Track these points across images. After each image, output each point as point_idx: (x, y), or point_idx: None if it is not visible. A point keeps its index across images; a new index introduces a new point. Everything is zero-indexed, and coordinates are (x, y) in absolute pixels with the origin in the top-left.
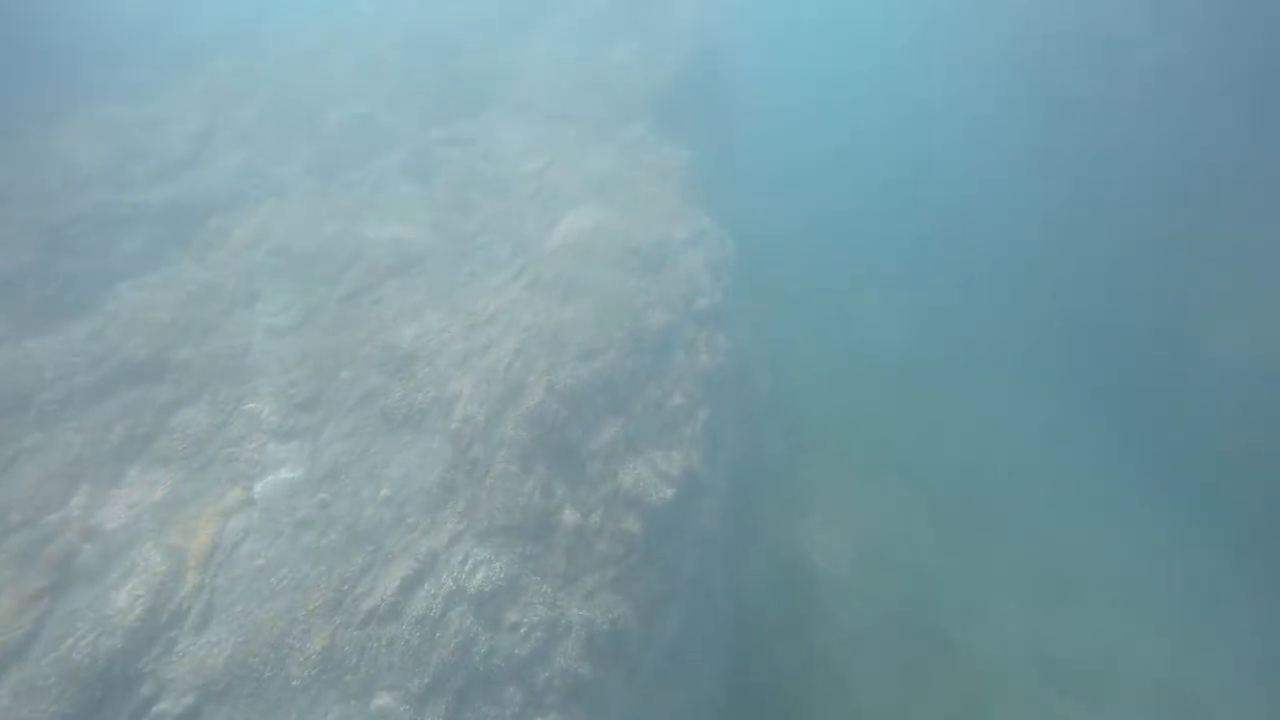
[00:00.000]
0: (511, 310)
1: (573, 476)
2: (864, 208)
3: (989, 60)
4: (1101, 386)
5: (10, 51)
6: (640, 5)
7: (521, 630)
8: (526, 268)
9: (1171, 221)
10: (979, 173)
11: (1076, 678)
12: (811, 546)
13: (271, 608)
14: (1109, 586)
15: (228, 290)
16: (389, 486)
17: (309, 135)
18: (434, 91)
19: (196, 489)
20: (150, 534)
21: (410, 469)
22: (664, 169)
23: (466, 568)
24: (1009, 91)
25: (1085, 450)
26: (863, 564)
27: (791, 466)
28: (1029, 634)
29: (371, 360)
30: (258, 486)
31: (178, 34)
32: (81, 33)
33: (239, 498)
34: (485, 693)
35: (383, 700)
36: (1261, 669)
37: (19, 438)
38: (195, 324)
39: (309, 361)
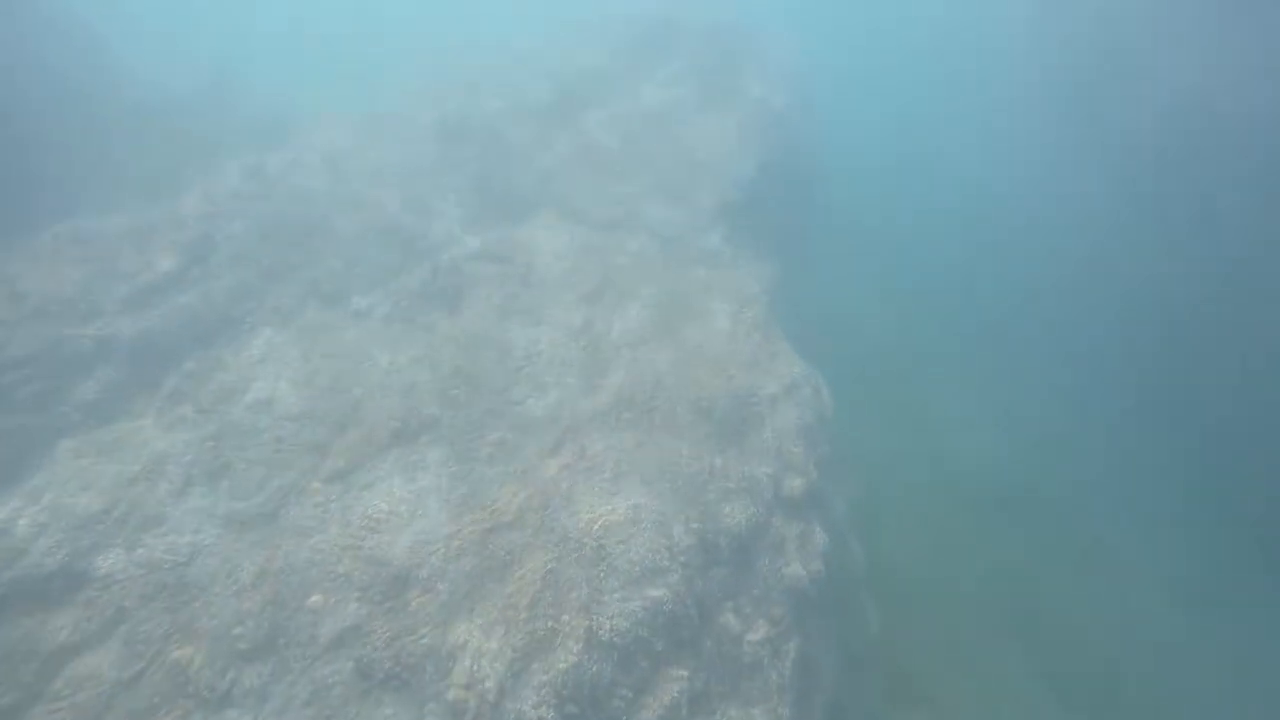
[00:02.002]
0: (545, 506)
1: None
2: (965, 297)
3: (1137, 149)
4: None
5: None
6: (713, 92)
7: None
8: (568, 437)
9: None
10: (1110, 281)
11: None
12: None
13: None
14: None
15: (188, 461)
16: None
17: (321, 248)
18: (471, 193)
19: None
20: None
21: None
22: (743, 291)
23: None
24: (1158, 197)
25: (1243, 625)
26: None
27: (888, 651)
28: None
29: (351, 581)
30: None
31: (212, 122)
32: (110, 120)
33: None
34: None
35: None
36: None
37: None
38: (136, 512)
39: (269, 580)
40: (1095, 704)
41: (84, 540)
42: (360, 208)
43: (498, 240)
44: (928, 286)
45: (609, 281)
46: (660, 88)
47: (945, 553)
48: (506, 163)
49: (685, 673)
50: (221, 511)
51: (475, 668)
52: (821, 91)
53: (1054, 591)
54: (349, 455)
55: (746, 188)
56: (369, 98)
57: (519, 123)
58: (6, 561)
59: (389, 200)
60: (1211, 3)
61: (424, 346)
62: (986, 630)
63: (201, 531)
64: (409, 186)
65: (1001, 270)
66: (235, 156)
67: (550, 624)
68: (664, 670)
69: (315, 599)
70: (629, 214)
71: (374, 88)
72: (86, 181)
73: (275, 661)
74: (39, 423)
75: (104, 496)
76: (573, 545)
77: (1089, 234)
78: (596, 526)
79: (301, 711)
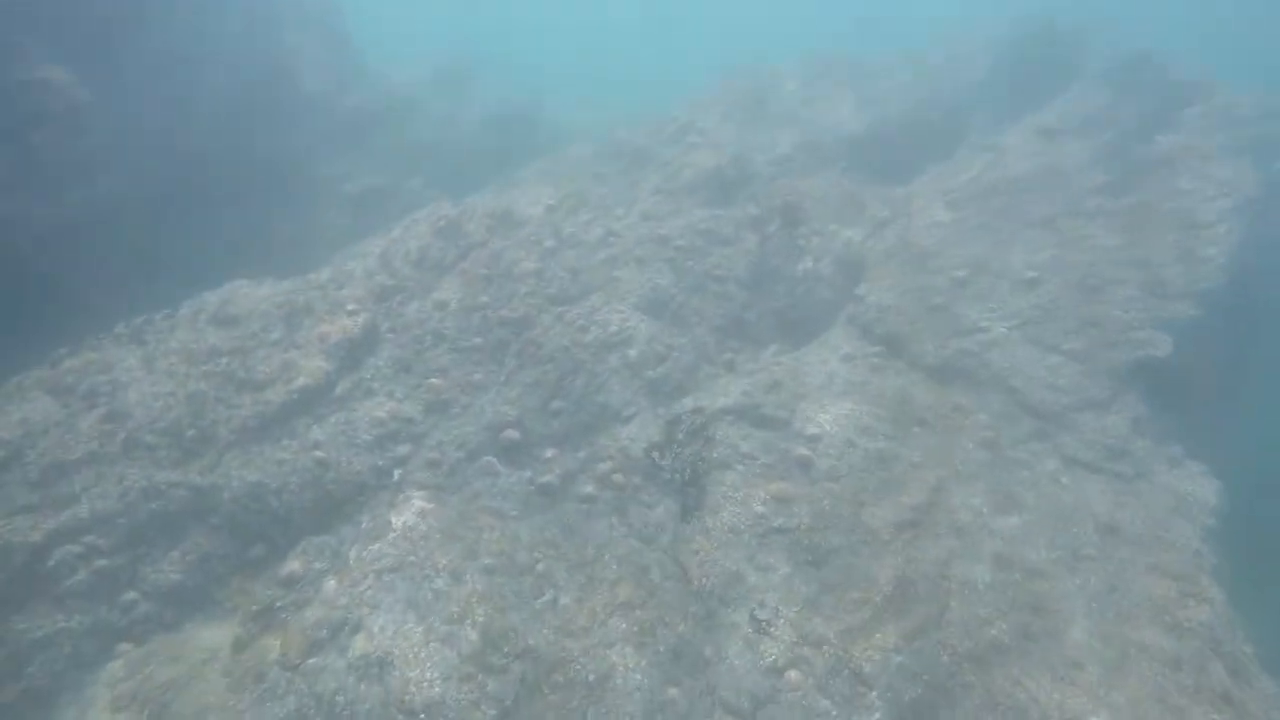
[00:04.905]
0: None
1: None
2: None
3: None
4: None
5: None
6: (1126, 158)
7: None
8: None
9: None
10: None
11: None
12: None
13: None
14: None
15: None
16: None
17: (515, 366)
18: (738, 286)
19: None
20: None
21: None
22: (1173, 545)
23: None
24: None
25: None
26: None
27: None
28: None
29: None
30: None
31: (436, 129)
32: (324, 131)
33: None
34: None
35: None
36: None
37: None
38: None
39: None
40: None
41: None
42: (580, 297)
43: (769, 386)
44: None
45: (939, 492)
46: (1034, 139)
47: None
48: (791, 236)
49: None
50: None
51: None
52: None
53: None
54: None
55: (1182, 331)
56: (625, 121)
57: (813, 172)
58: None
59: (621, 290)
60: None
61: (634, 580)
62: None
63: None
64: (650, 272)
65: None
66: (431, 194)
67: None
68: None
69: None
70: (973, 354)
71: (636, 107)
72: (279, 213)
73: None
74: (89, 624)
75: None
76: None
77: None
78: None
79: None
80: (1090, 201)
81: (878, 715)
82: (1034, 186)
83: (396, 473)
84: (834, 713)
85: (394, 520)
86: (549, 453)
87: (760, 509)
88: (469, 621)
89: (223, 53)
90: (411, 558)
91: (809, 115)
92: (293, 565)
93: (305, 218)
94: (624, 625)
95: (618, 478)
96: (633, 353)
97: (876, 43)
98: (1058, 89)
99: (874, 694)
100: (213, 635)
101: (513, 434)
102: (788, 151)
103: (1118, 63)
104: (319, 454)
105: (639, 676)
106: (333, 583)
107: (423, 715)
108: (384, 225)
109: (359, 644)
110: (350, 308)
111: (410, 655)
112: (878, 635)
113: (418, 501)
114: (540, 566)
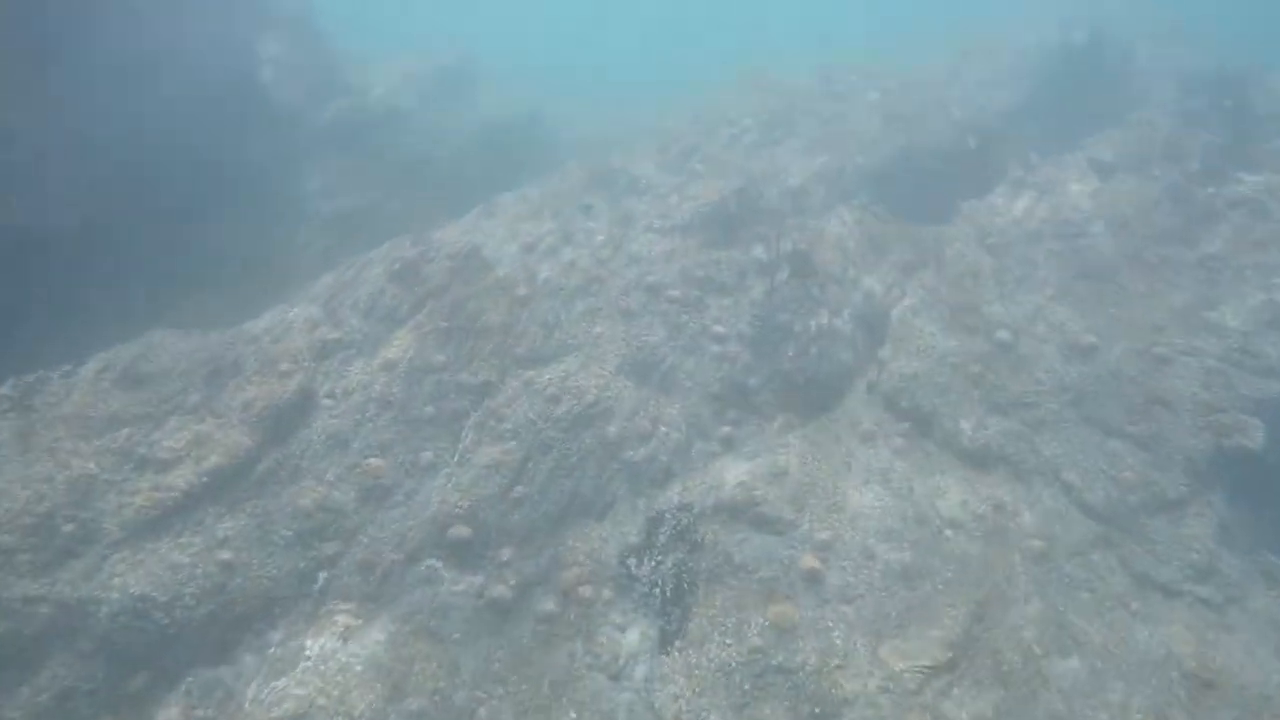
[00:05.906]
0: None
1: None
2: None
3: None
4: None
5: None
6: (1195, 191)
7: None
8: None
9: None
10: None
11: None
12: None
13: None
14: None
15: None
16: None
17: (469, 441)
18: (740, 343)
19: None
20: None
21: None
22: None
23: None
24: None
25: None
26: None
27: None
28: None
29: None
30: None
31: (423, 144)
32: (296, 148)
33: None
34: None
35: None
36: None
37: None
38: None
39: None
40: None
41: None
42: (554, 358)
43: (772, 474)
44: None
45: (978, 622)
46: (1088, 173)
47: None
48: (803, 285)
49: None
50: None
51: None
52: None
53: None
54: None
55: (1276, 413)
56: (625, 139)
57: (830, 207)
58: None
59: (603, 350)
60: None
61: None
62: None
63: None
64: (638, 327)
65: None
66: (416, 214)
67: None
68: None
69: None
70: (1017, 437)
71: (641, 120)
72: (246, 239)
73: None
74: None
75: None
76: None
77: None
78: None
79: None
80: (1156, 250)
81: None
82: (1088, 231)
83: (321, 577)
84: None
85: (309, 644)
86: (505, 554)
87: (757, 640)
88: None
89: (183, 59)
90: (322, 700)
91: (827, 139)
92: (170, 712)
93: (276, 243)
94: None
95: (585, 590)
96: (612, 429)
97: (907, 52)
98: (1117, 113)
99: None
100: None
101: (462, 530)
102: (801, 183)
103: (1189, 83)
104: (225, 555)
105: None
106: None
107: None
108: (362, 250)
109: None
110: (284, 367)
111: None
112: None
113: (341, 618)
114: (482, 711)
